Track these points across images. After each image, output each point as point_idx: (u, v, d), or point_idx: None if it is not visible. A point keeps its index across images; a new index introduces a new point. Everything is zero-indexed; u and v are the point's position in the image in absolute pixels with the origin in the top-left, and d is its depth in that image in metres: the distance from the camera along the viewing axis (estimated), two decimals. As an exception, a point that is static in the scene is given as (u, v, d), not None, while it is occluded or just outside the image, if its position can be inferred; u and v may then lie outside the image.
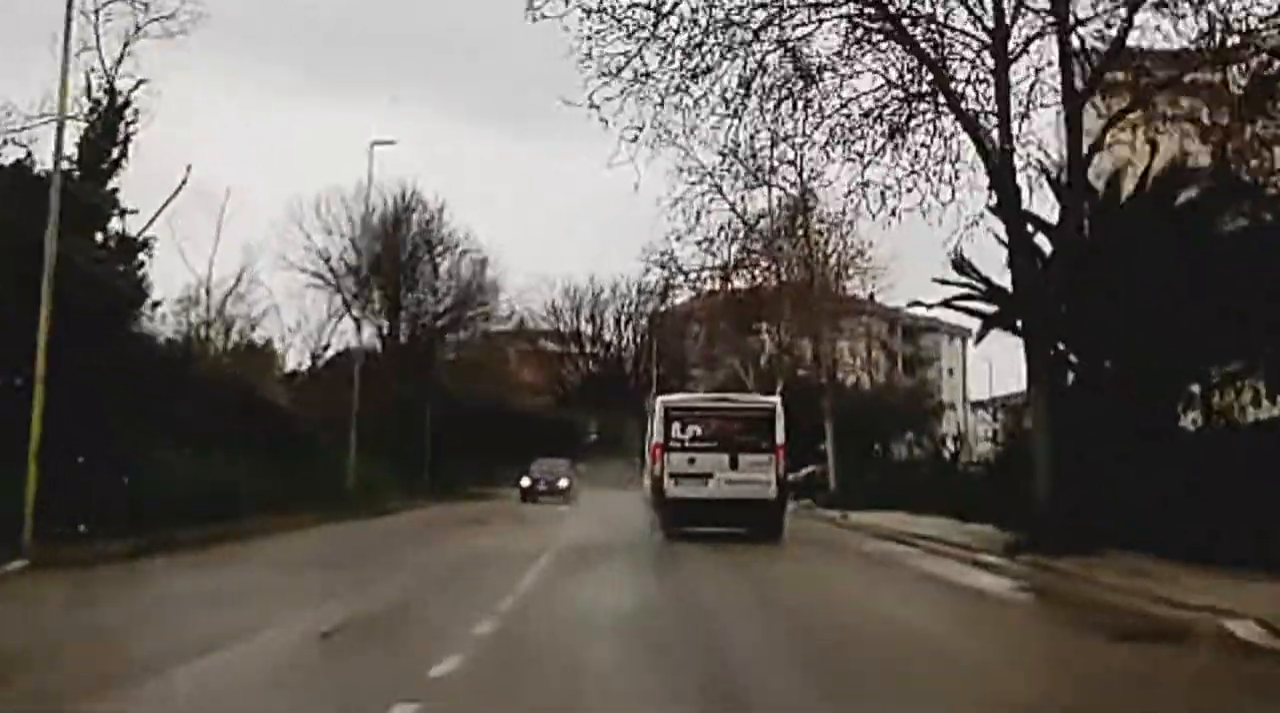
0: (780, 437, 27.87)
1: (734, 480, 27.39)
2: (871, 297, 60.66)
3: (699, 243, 47.55)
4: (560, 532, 31.23)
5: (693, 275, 51.50)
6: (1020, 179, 25.63)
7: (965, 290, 26.93)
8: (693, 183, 38.16)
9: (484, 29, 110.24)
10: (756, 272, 51.71)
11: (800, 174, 41.93)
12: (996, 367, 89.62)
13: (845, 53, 26.75)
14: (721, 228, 47.62)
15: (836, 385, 55.47)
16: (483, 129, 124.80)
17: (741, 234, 48.83)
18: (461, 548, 26.49)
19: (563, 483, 56.11)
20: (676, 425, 27.97)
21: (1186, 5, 24.11)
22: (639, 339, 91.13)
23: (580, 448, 76.03)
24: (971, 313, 27.73)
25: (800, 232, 49.89)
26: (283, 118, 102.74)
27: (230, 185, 49.86)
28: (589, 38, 25.43)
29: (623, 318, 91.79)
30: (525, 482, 56.29)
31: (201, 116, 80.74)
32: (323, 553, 25.24)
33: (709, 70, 26.17)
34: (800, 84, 27.15)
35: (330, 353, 59.31)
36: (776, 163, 31.60)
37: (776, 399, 31.67)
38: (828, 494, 48.02)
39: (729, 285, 52.33)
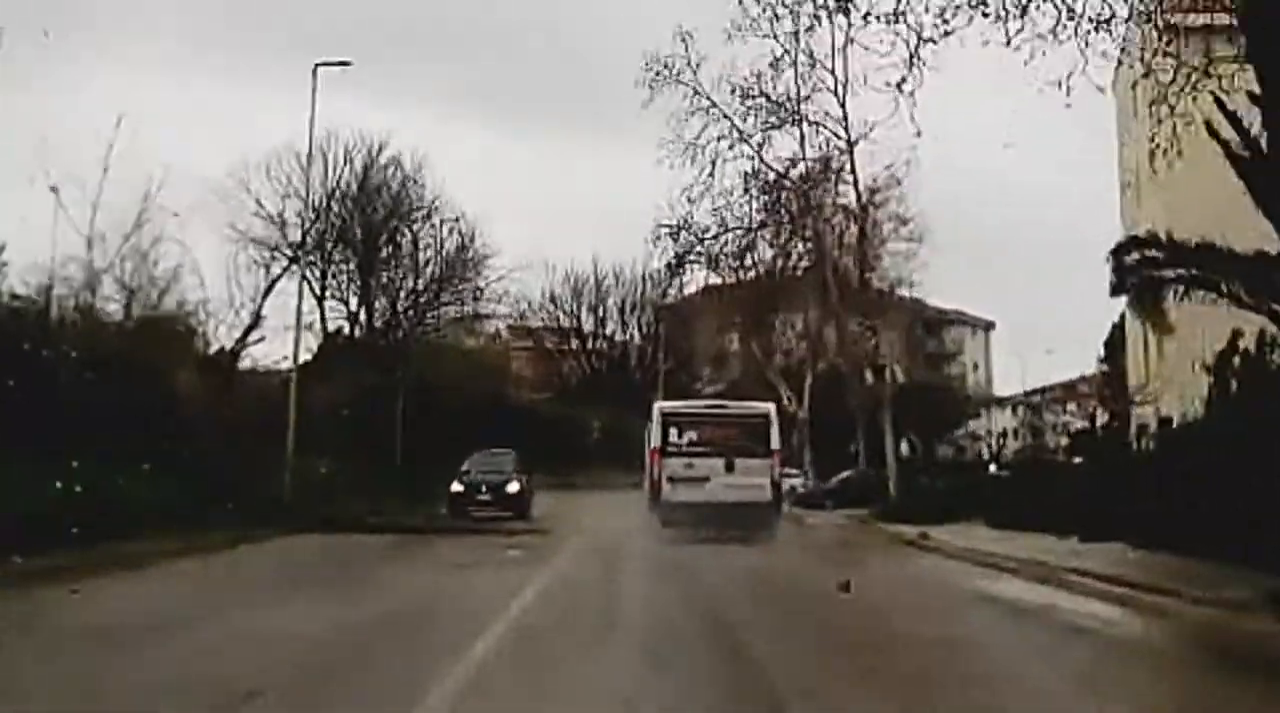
0: (775, 442, 28.13)
1: (730, 485, 27.37)
2: (892, 288, 52.45)
3: (715, 215, 38.14)
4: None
5: (709, 240, 41.13)
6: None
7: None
8: (705, 124, 31.24)
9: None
10: (785, 236, 41.45)
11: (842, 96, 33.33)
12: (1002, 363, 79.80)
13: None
14: (745, 177, 38.12)
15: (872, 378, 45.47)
16: (474, 112, 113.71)
17: (768, 186, 39.00)
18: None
19: (511, 487, 37.36)
20: (674, 431, 28.26)
21: None
22: (645, 330, 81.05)
23: (581, 448, 65.91)
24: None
25: (838, 178, 39.74)
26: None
27: (123, 114, 36.63)
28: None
29: (628, 308, 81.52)
30: (456, 487, 37.95)
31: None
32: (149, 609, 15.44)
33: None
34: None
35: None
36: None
37: (771, 406, 30.93)
38: (886, 505, 37.83)
39: (751, 257, 42.21)
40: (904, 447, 76.95)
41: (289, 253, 43.42)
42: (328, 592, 17.72)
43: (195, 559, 22.25)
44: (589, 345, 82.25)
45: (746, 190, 39.17)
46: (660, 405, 30.10)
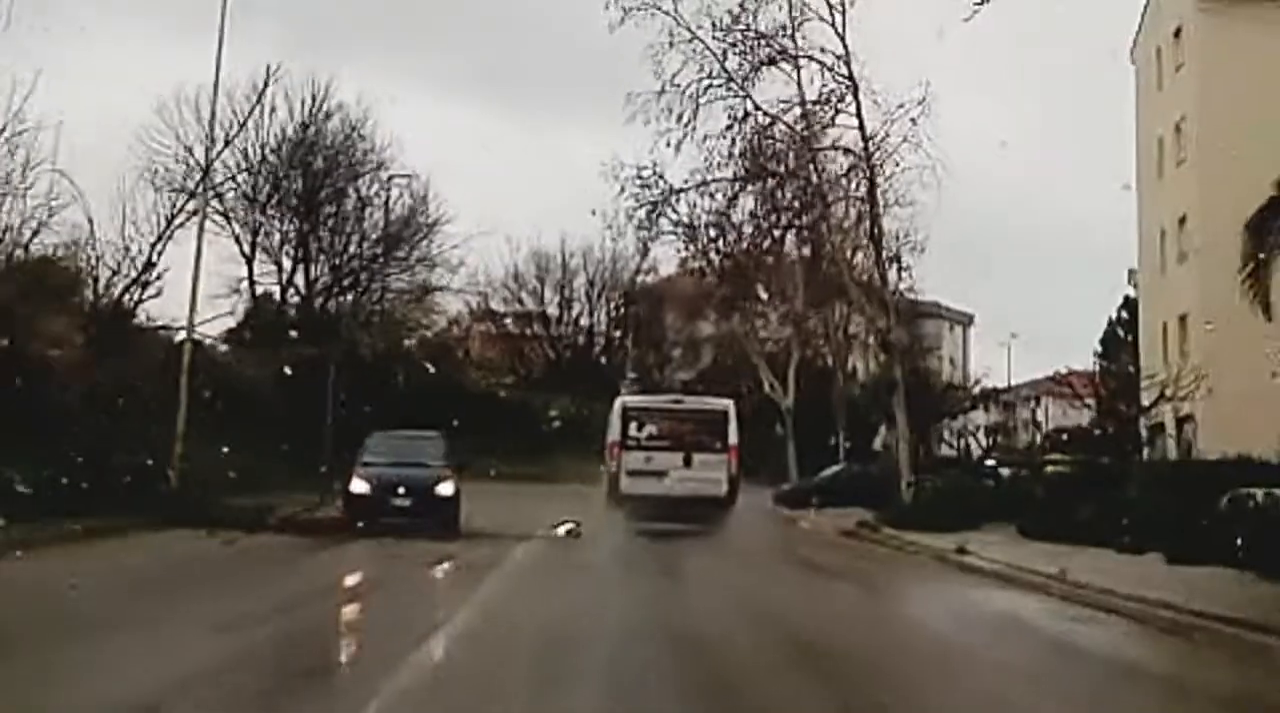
0: (733, 438, 27.62)
1: (687, 478, 27.03)
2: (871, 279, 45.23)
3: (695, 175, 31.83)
4: None
5: (689, 190, 34.30)
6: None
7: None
8: (685, 61, 25.42)
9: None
10: (774, 194, 34.56)
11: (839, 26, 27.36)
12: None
13: None
14: (730, 121, 31.65)
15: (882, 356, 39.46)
16: (441, 84, 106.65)
17: (757, 132, 32.39)
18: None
19: (443, 488, 25.50)
20: (634, 425, 28.24)
21: None
22: (614, 314, 74.34)
23: (541, 437, 59.24)
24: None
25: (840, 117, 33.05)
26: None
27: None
28: None
29: (596, 289, 74.52)
30: (358, 486, 25.80)
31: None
32: None
33: None
34: None
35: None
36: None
37: (729, 402, 30.34)
38: (896, 507, 31.20)
39: (732, 221, 35.46)
40: (894, 444, 71.20)
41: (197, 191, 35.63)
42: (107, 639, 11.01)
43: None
44: (553, 330, 75.29)
45: (730, 135, 32.38)
46: (621, 400, 29.99)
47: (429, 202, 52.43)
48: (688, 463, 27.60)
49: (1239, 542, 20.09)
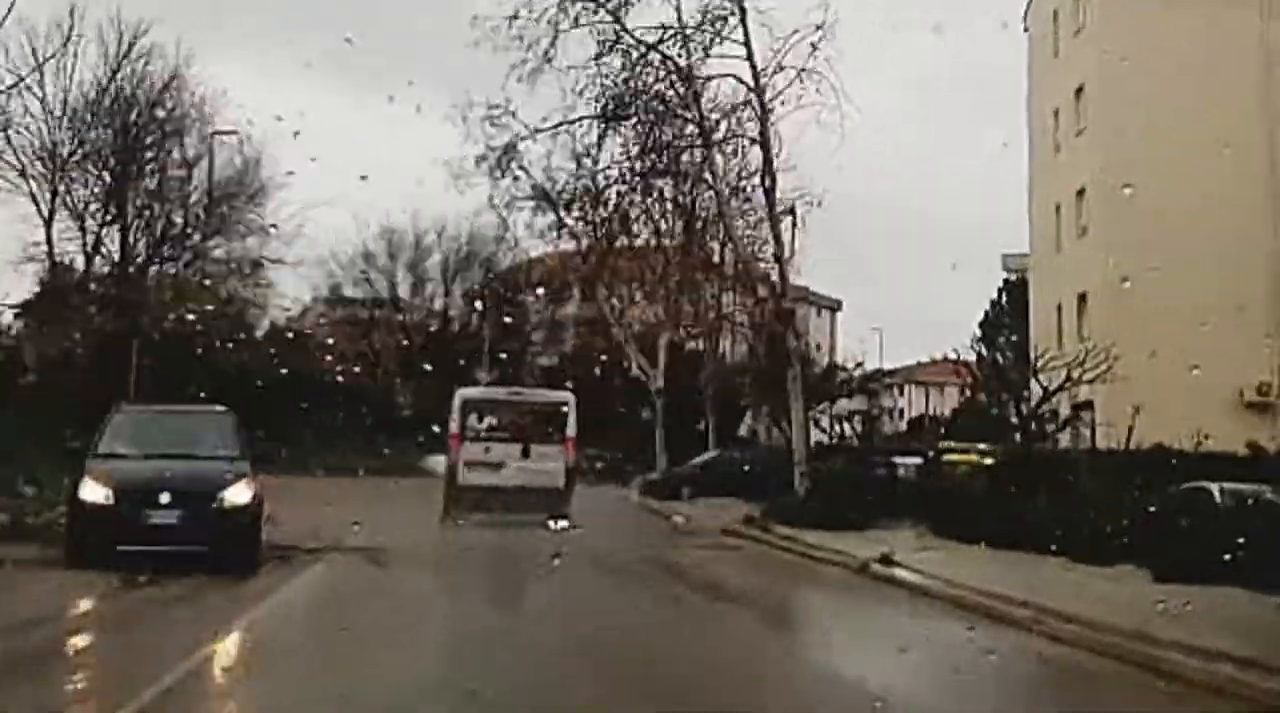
0: (571, 430, 27.14)
1: (524, 469, 26.68)
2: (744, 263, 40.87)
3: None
4: None
5: (544, 132, 28.50)
6: None
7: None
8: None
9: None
10: (655, 130, 28.66)
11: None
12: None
13: None
14: (597, 49, 26.18)
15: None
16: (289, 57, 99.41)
17: (632, 63, 26.85)
18: None
19: (234, 495, 15.83)
20: (473, 416, 28.03)
21: None
22: (471, 296, 68.39)
23: (389, 427, 53.35)
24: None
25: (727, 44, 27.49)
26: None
27: None
28: None
29: (450, 270, 68.29)
30: (92, 494, 15.61)
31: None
32: None
33: None
34: None
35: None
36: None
37: (569, 395, 29.16)
38: (790, 502, 25.95)
39: (594, 169, 29.71)
40: (764, 430, 66.66)
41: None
42: None
43: None
44: (406, 315, 68.85)
45: (597, 67, 26.68)
46: (461, 391, 28.95)
47: (261, 165, 46.07)
48: (526, 454, 27.12)
49: (1230, 556, 15.31)
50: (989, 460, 31.21)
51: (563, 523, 24.11)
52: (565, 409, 27.83)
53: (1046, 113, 43.93)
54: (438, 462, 49.24)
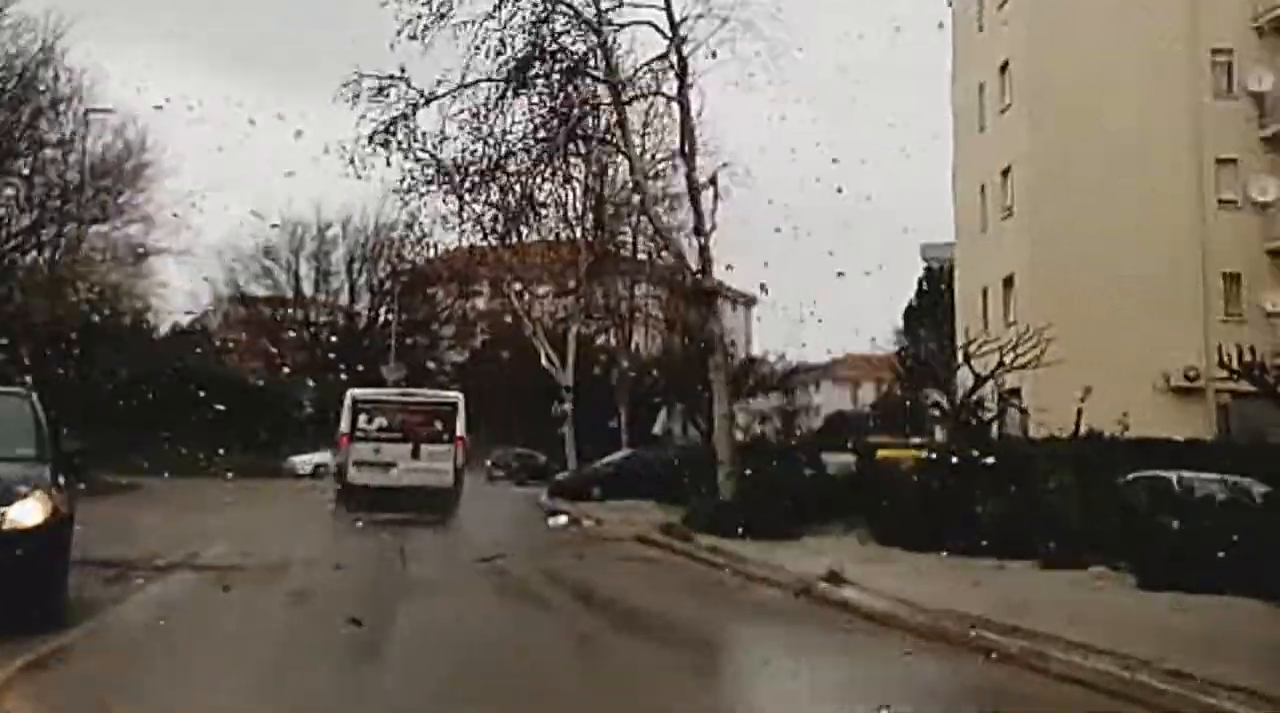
0: (460, 429, 27.39)
1: (415, 469, 26.65)
2: (651, 256, 43.83)
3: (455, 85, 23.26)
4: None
5: (439, 98, 25.01)
6: None
7: None
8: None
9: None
10: (565, 91, 25.20)
11: None
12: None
13: None
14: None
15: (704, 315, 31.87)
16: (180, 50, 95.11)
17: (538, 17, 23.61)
18: None
19: (18, 516, 9.81)
20: (363, 417, 27.40)
21: None
22: (376, 291, 64.97)
23: (290, 428, 50.15)
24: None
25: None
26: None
27: None
28: None
29: (356, 265, 64.68)
30: None
31: None
32: None
33: None
34: None
35: None
36: None
37: (459, 395, 29.88)
38: (713, 506, 22.96)
39: (495, 135, 26.11)
40: (680, 428, 63.92)
41: None
42: None
43: None
44: (311, 314, 65.16)
45: (498, 19, 23.40)
46: (351, 392, 28.74)
47: (146, 149, 42.41)
48: (416, 454, 27.03)
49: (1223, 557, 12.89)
50: (925, 455, 28.63)
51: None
52: (455, 409, 27.96)
53: (971, 90, 41.65)
54: (303, 462, 46.38)
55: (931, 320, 56.14)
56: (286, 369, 61.04)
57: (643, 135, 29.13)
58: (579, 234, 42.39)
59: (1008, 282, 38.67)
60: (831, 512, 22.61)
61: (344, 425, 27.31)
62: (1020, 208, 38.11)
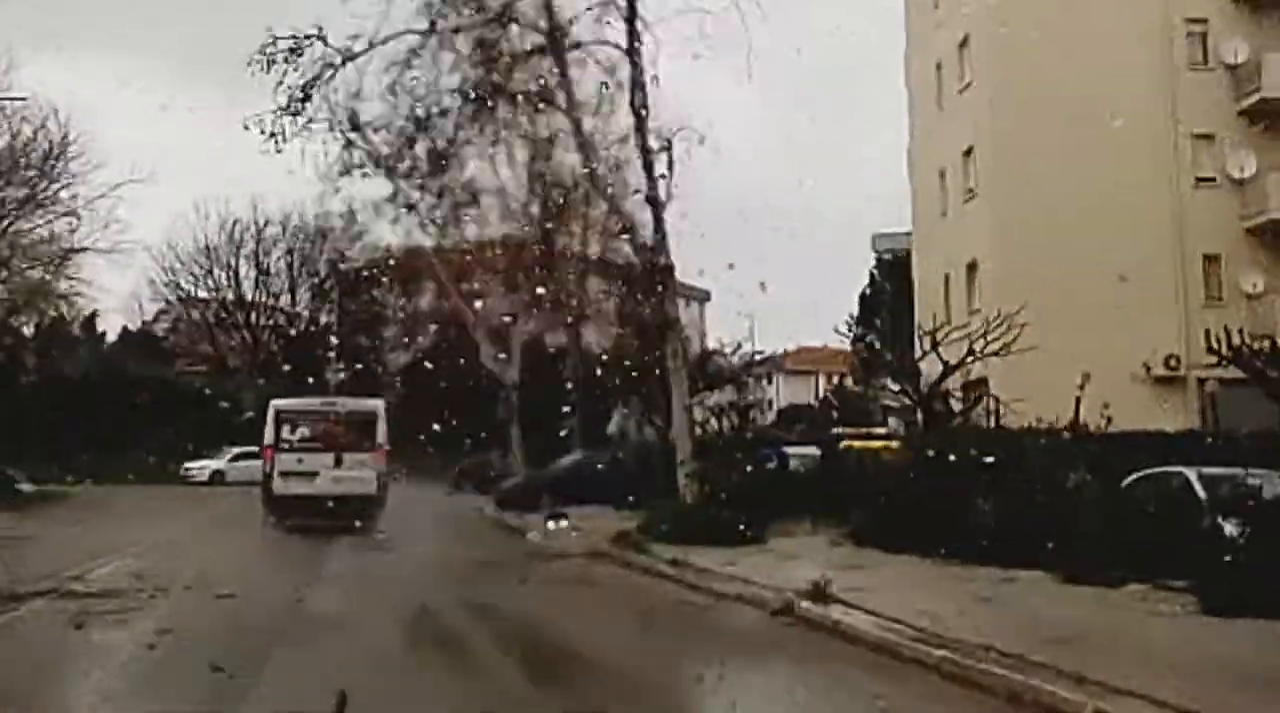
0: (382, 437, 27.08)
1: (339, 478, 26.25)
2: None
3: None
4: None
5: (360, 55, 22.14)
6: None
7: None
8: None
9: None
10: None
11: None
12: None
13: None
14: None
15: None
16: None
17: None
18: None
19: None
20: (286, 427, 27.06)
21: None
22: (317, 289, 61.72)
23: (231, 434, 47.06)
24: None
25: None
26: None
27: None
28: None
29: (296, 263, 61.34)
30: None
31: None
32: None
33: None
34: None
35: None
36: None
37: (380, 403, 29.90)
38: (672, 511, 20.10)
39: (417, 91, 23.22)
40: (635, 428, 61.34)
41: None
42: None
43: None
44: (253, 315, 61.82)
45: None
46: (274, 402, 28.14)
47: (69, 141, 39.26)
48: (339, 463, 26.57)
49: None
50: (894, 446, 26.14)
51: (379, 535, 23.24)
52: (376, 417, 27.60)
53: (928, 69, 39.17)
54: (200, 468, 43.55)
55: (888, 311, 53.97)
56: (228, 372, 58.16)
57: (593, 115, 26.40)
58: (523, 225, 39.51)
59: (971, 267, 36.31)
60: (797, 509, 20.16)
61: (268, 436, 26.88)
62: (983, 190, 35.74)
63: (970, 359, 29.31)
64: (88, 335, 58.46)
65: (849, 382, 70.39)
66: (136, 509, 29.32)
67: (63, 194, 39.69)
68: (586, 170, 22.47)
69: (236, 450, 44.84)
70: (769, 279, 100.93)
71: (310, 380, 50.63)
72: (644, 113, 20.86)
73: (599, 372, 54.00)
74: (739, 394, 79.26)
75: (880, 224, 63.20)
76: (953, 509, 15.38)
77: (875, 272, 60.46)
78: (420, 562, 18.36)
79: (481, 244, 40.92)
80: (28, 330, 52.73)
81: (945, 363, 29.64)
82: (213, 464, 44.39)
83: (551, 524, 25.33)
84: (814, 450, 27.63)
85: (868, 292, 59.94)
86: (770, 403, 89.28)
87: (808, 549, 16.44)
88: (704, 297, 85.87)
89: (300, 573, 15.59)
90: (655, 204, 20.20)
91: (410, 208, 36.66)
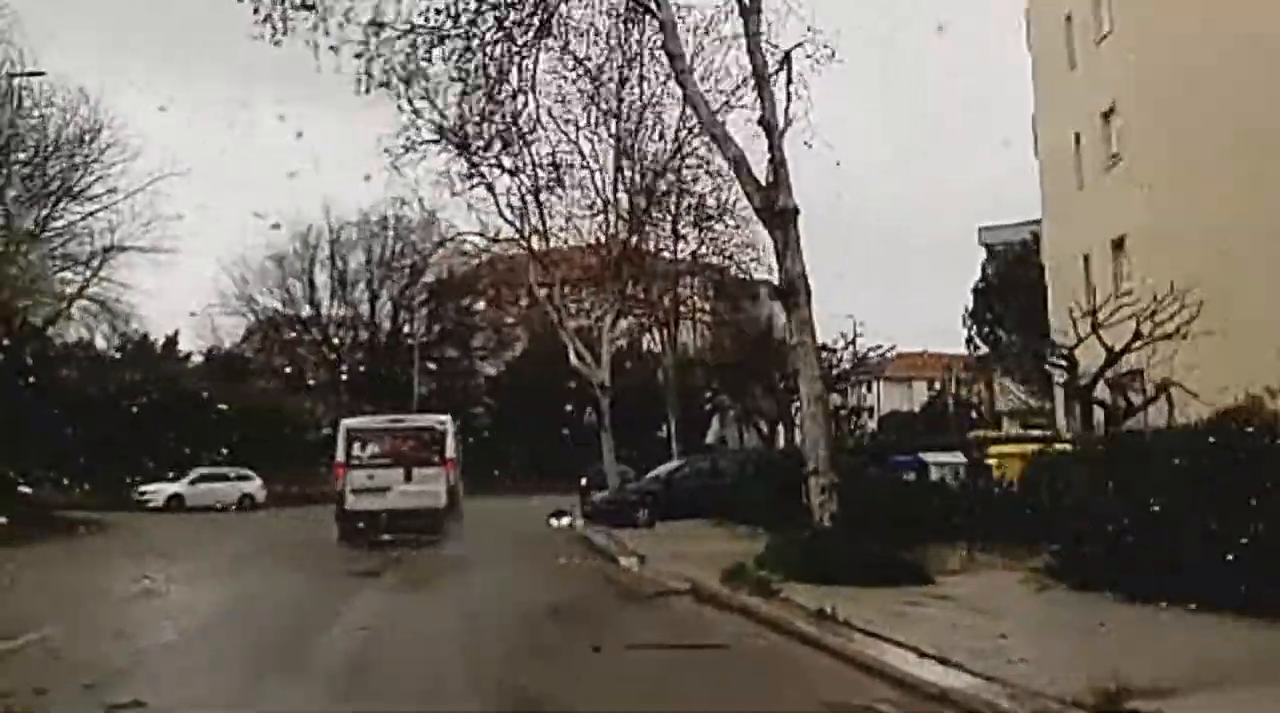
0: (450, 451, 26.97)
1: (407, 492, 26.12)
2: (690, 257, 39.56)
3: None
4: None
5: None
6: None
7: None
8: None
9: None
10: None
11: None
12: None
13: None
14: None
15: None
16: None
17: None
18: None
19: None
20: (357, 445, 27.01)
21: None
22: (400, 299, 57.33)
23: (303, 451, 43.01)
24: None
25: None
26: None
27: None
28: None
29: (375, 269, 56.76)
30: None
31: None
32: None
33: None
34: None
35: None
36: None
37: (447, 418, 28.87)
38: (807, 538, 14.41)
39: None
40: (735, 435, 56.63)
41: None
42: None
43: None
44: (332, 331, 57.40)
45: None
46: (344, 422, 28.26)
47: (99, 127, 35.02)
48: (408, 478, 26.39)
49: None
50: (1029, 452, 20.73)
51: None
52: (444, 432, 27.35)
53: (1055, 22, 33.55)
54: (155, 492, 38.71)
55: (1005, 304, 48.55)
56: (304, 387, 53.98)
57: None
58: (610, 208, 34.86)
59: (1118, 244, 30.58)
60: (943, 530, 15.05)
61: (339, 454, 26.85)
62: (1130, 154, 30.00)
63: (1138, 343, 23.76)
64: (167, 353, 54.90)
65: (955, 384, 64.89)
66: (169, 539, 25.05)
67: (98, 188, 35.49)
68: (673, 69, 17.00)
69: (200, 471, 39.94)
70: (863, 284, 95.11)
71: (392, 395, 46.69)
72: (754, 19, 15.55)
73: (696, 375, 49.61)
74: (844, 398, 73.91)
75: (987, 217, 57.49)
76: (1219, 537, 9.97)
77: (986, 265, 54.89)
78: (469, 608, 13.41)
79: (568, 239, 36.46)
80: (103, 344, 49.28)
81: (1109, 349, 24.15)
82: (170, 488, 38.78)
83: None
84: (958, 457, 22.12)
85: (978, 287, 54.16)
86: (871, 410, 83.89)
87: (999, 595, 11.28)
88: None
89: (288, 645, 10.54)
90: (770, 130, 14.90)
91: (489, 188, 32.78)
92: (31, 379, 28.27)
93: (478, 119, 26.93)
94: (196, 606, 13.95)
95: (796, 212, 14.82)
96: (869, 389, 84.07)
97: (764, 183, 14.92)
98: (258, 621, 12.83)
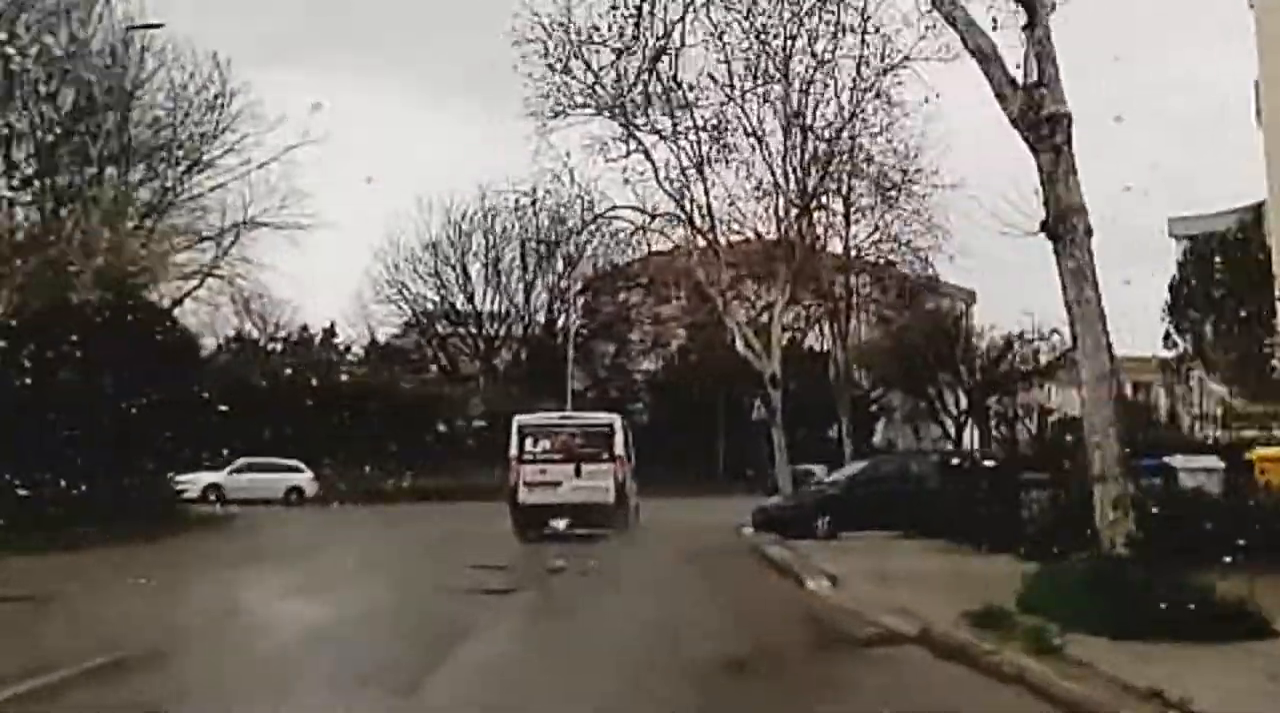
0: (619, 448, 27.03)
1: (578, 487, 26.38)
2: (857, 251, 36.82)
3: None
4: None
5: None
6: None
7: None
8: None
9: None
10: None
11: None
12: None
13: None
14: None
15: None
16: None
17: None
18: None
19: None
20: (529, 441, 27.21)
21: None
22: (556, 291, 54.20)
23: (456, 444, 40.39)
24: None
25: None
26: None
27: None
28: None
29: (528, 254, 53.57)
30: None
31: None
32: None
33: None
34: None
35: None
36: None
37: (616, 416, 29.32)
38: (1090, 569, 10.05)
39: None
40: (902, 438, 52.62)
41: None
42: None
43: None
44: (485, 321, 54.40)
45: None
46: (518, 418, 27.94)
47: (228, 95, 32.67)
48: (578, 473, 26.45)
49: None
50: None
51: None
52: (613, 430, 27.46)
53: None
54: (191, 481, 34.95)
55: (1208, 301, 43.45)
56: (455, 379, 51.39)
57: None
58: (778, 191, 31.27)
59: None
60: (1205, 552, 10.96)
61: (513, 450, 27.02)
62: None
63: None
64: (325, 346, 52.90)
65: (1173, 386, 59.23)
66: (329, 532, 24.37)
67: (230, 161, 33.10)
68: None
69: (243, 461, 35.32)
70: (1033, 283, 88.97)
71: (548, 389, 43.68)
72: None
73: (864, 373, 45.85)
74: (1010, 403, 68.71)
75: (1174, 208, 51.88)
76: None
77: (1182, 259, 49.45)
78: (619, 651, 9.63)
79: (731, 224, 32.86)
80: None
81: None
82: (208, 477, 34.24)
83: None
84: (1213, 462, 17.73)
85: (1176, 281, 48.79)
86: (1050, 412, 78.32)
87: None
88: (969, 299, 75.12)
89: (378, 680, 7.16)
90: (1032, 9, 10.78)
91: (647, 154, 30.14)
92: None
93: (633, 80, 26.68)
94: (286, 624, 10.71)
95: (1070, 120, 10.69)
96: (1041, 389, 78.93)
97: (1022, 83, 10.88)
98: (353, 652, 9.47)
